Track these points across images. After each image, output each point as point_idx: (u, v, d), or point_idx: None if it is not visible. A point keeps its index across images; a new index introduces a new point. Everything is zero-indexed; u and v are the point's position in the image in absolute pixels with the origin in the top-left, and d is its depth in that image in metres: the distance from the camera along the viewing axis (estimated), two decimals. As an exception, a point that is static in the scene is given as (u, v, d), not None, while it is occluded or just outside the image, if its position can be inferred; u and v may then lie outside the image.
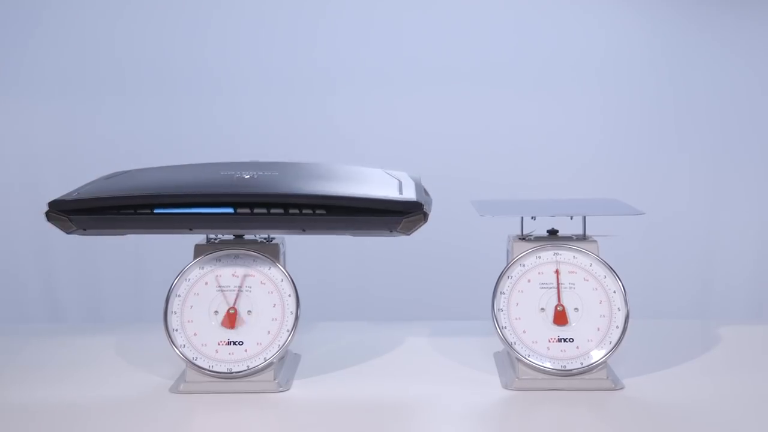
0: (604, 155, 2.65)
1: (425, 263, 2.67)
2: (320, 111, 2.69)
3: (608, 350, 1.29)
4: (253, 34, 2.69)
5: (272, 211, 1.24)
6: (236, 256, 1.31)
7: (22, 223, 2.70)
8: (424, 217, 1.25)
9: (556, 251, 1.32)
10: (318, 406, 1.25)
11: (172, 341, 1.30)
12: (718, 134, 2.66)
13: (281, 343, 1.29)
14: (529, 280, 1.31)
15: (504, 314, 1.31)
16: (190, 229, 1.26)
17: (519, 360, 1.30)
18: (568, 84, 2.67)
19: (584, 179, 2.60)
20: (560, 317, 1.29)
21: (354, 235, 1.29)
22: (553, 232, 1.35)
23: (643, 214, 1.30)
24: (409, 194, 1.28)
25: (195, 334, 1.30)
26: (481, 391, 1.30)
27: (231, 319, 1.29)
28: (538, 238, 1.35)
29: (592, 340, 1.30)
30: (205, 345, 1.29)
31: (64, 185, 1.42)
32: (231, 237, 1.35)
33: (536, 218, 1.33)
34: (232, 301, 1.30)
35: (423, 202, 1.25)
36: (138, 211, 1.24)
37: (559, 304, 1.30)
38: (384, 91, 2.68)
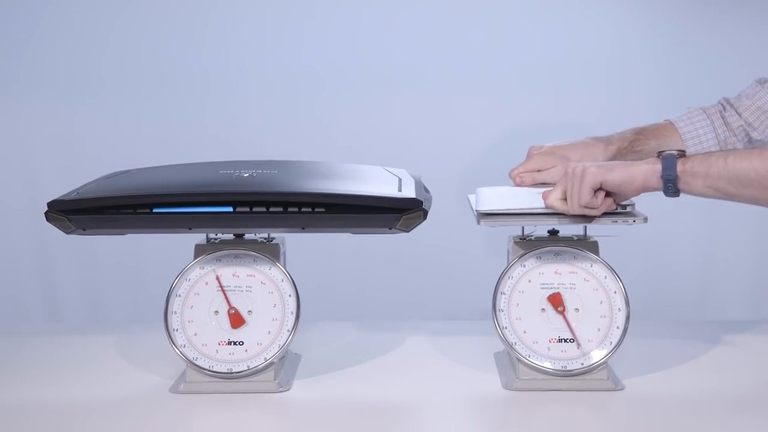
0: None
1: (425, 263, 2.67)
2: (322, 110, 2.69)
3: (609, 351, 1.29)
4: (252, 36, 2.69)
5: (271, 209, 1.23)
6: (236, 256, 1.31)
7: (22, 223, 2.70)
8: (424, 214, 1.25)
9: (556, 252, 1.31)
10: (318, 406, 1.25)
11: (172, 341, 1.29)
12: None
13: (282, 343, 1.29)
14: (529, 281, 1.31)
15: (504, 314, 1.30)
16: (190, 228, 1.26)
17: (519, 360, 1.30)
18: (570, 84, 2.66)
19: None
20: (557, 300, 1.29)
21: (353, 233, 1.28)
22: (553, 233, 1.35)
23: (645, 219, 1.28)
24: (409, 191, 1.28)
25: (195, 334, 1.29)
26: (481, 391, 1.30)
27: (234, 320, 1.29)
28: (539, 239, 1.34)
29: (592, 341, 1.30)
30: (206, 345, 1.29)
31: (64, 185, 1.42)
32: (231, 237, 1.35)
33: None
34: (232, 301, 1.30)
35: (422, 199, 1.25)
36: (137, 211, 1.24)
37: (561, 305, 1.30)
38: (386, 91, 2.68)
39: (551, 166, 1.50)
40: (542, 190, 1.38)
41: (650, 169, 1.25)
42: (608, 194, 1.27)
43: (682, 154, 1.26)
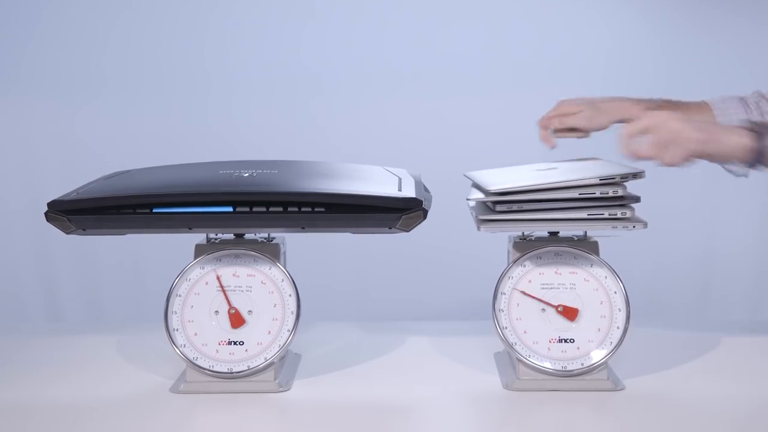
0: (605, 155, 2.64)
1: (425, 263, 2.67)
2: (322, 111, 2.69)
3: (609, 351, 1.29)
4: (253, 36, 2.69)
5: (271, 209, 1.23)
6: (237, 256, 1.31)
7: (22, 223, 2.70)
8: (424, 214, 1.25)
9: (557, 252, 1.31)
10: (318, 406, 1.25)
11: (172, 341, 1.29)
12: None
13: (282, 343, 1.29)
14: (529, 281, 1.31)
15: (505, 315, 1.30)
16: (190, 228, 1.26)
17: (520, 360, 1.30)
18: (569, 84, 2.66)
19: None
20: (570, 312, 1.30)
21: (354, 233, 1.28)
22: (553, 233, 1.35)
23: (645, 225, 1.28)
24: (409, 191, 1.28)
25: (195, 334, 1.29)
26: (481, 392, 1.30)
27: (235, 320, 1.29)
28: (539, 239, 1.34)
29: (592, 341, 1.29)
30: (206, 345, 1.29)
31: (64, 185, 1.42)
32: (231, 236, 1.35)
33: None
34: (232, 301, 1.30)
35: (422, 199, 1.25)
36: (137, 211, 1.24)
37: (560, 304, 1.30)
38: (386, 91, 2.68)
39: (579, 110, 1.48)
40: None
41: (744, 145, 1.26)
42: None
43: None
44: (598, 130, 1.47)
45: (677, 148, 1.25)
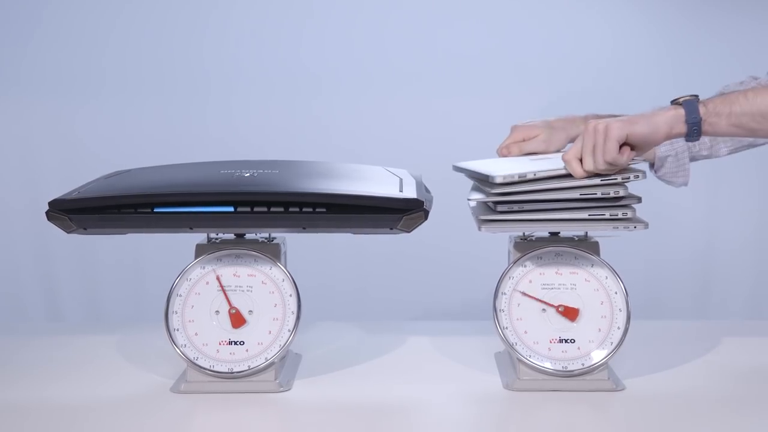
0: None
1: (426, 264, 2.67)
2: (323, 111, 2.69)
3: (609, 351, 1.29)
4: (253, 37, 2.69)
5: (272, 209, 1.23)
6: (237, 256, 1.31)
7: (22, 222, 2.70)
8: (425, 214, 1.25)
9: (557, 252, 1.31)
10: (319, 406, 1.25)
11: (173, 341, 1.29)
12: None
13: (282, 343, 1.29)
14: (530, 281, 1.31)
15: (505, 315, 1.30)
16: (191, 228, 1.26)
17: (520, 360, 1.30)
18: (571, 84, 2.67)
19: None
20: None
21: (354, 233, 1.28)
22: (554, 233, 1.35)
23: (646, 226, 1.27)
24: (410, 192, 1.28)
25: (196, 334, 1.29)
26: (481, 392, 1.30)
27: (235, 320, 1.29)
28: (540, 239, 1.34)
29: (593, 341, 1.29)
30: (206, 345, 1.29)
31: (64, 185, 1.42)
32: (232, 236, 1.35)
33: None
34: (233, 301, 1.30)
35: (423, 200, 1.25)
36: (138, 210, 1.24)
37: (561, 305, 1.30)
38: (387, 92, 2.68)
39: (535, 135, 1.49)
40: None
41: (674, 116, 1.26)
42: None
43: (697, 97, 1.27)
44: (557, 151, 1.46)
45: (608, 142, 1.23)
